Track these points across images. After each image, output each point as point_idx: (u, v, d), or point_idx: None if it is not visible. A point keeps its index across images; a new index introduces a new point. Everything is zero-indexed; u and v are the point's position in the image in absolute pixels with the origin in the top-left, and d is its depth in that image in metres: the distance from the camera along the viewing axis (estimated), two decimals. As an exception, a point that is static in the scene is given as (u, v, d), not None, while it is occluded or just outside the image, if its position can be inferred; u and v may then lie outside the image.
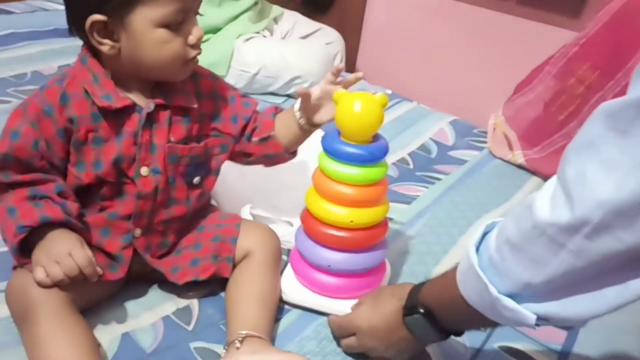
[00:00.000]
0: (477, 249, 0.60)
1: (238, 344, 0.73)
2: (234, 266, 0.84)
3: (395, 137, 1.41)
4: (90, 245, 0.75)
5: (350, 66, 2.10)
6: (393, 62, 2.08)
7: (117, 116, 0.76)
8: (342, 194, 0.79)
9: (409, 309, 0.70)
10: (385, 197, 0.83)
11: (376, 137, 0.80)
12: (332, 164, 0.79)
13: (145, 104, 0.77)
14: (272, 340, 0.79)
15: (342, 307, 0.83)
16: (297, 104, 0.85)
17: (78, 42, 1.73)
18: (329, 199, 0.80)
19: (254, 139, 0.87)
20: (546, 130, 1.26)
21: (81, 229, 0.75)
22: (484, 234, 0.61)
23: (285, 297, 0.86)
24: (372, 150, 0.78)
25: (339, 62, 1.79)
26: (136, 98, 0.77)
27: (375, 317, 0.74)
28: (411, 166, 1.30)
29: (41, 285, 0.70)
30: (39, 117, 0.74)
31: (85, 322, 0.73)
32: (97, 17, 0.70)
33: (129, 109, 0.76)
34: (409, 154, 1.35)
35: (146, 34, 0.71)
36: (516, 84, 1.38)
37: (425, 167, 1.30)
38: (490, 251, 0.57)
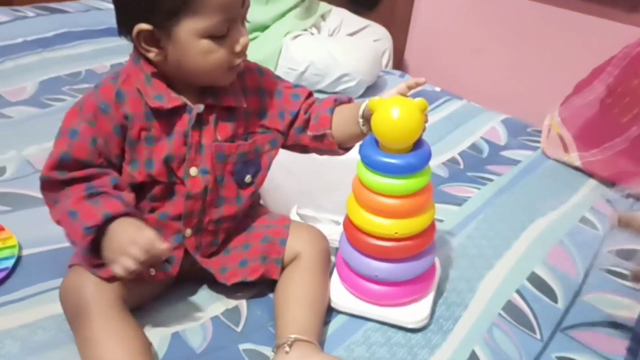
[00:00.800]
0: None
1: (287, 348, 0.72)
2: (283, 268, 0.83)
3: (445, 136, 1.38)
4: None
5: (398, 63, 2.07)
6: (442, 59, 2.04)
7: (168, 116, 0.76)
8: (383, 206, 0.76)
9: None
10: (430, 203, 0.81)
11: (417, 144, 0.77)
12: (371, 176, 0.76)
13: (195, 104, 0.77)
14: (321, 344, 0.78)
15: (391, 314, 0.81)
16: (362, 109, 0.81)
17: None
18: (370, 211, 0.78)
19: (309, 133, 0.85)
20: (606, 133, 1.21)
21: (141, 218, 0.75)
22: None
23: (334, 305, 0.84)
24: (413, 160, 0.75)
25: (387, 59, 1.76)
26: (186, 98, 0.77)
27: None
28: (462, 166, 1.27)
29: (125, 276, 0.70)
30: (95, 114, 0.75)
31: (136, 322, 0.73)
32: (144, 26, 0.71)
33: (180, 109, 0.76)
34: (459, 154, 1.32)
35: (190, 44, 0.72)
36: (571, 82, 1.33)
37: (476, 167, 1.27)
38: None
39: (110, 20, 1.76)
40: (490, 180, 1.22)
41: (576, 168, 1.27)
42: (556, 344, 0.82)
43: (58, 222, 0.75)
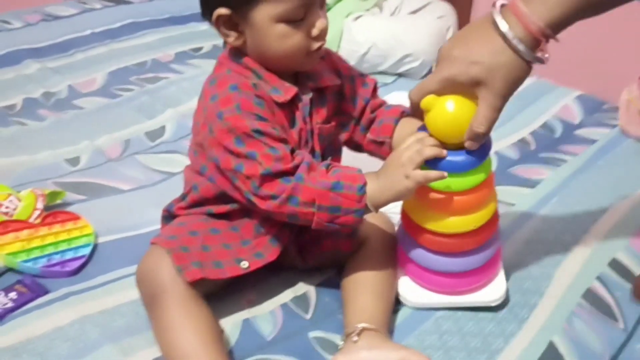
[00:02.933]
0: None
1: (355, 338, 0.72)
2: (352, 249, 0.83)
3: (514, 116, 1.32)
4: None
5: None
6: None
7: (286, 106, 0.76)
8: (441, 203, 0.73)
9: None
10: (492, 195, 0.77)
11: None
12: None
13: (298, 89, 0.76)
14: (389, 332, 0.77)
15: (467, 299, 0.79)
16: None
17: (192, 29, 1.77)
18: (428, 208, 0.75)
19: (369, 135, 0.83)
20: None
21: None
22: None
23: (405, 301, 0.81)
24: (470, 156, 0.71)
25: (448, 29, 1.70)
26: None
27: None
28: (533, 147, 1.22)
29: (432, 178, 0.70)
30: (259, 109, 0.72)
31: (209, 308, 0.74)
32: (222, 10, 0.71)
33: (295, 98, 0.76)
34: (531, 134, 1.27)
35: (267, 29, 0.71)
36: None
37: (549, 147, 1.21)
38: None
39: (173, 9, 1.83)
40: (565, 161, 1.16)
41: (657, 145, 1.20)
42: (641, 334, 0.78)
43: (312, 202, 0.70)
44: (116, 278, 0.84)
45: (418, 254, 0.79)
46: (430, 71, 1.51)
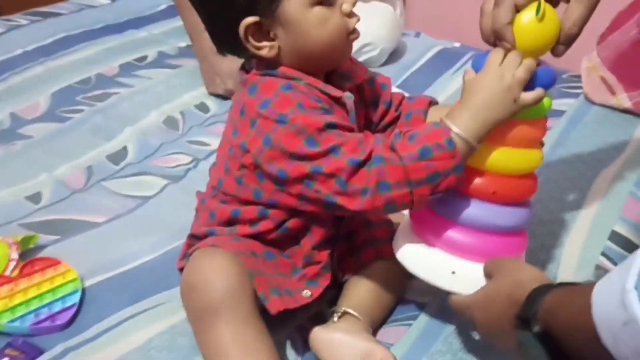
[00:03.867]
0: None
1: (336, 318, 0.73)
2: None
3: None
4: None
5: (411, 21, 1.98)
6: (454, 9, 1.95)
7: (341, 105, 0.70)
8: (519, 133, 0.66)
9: (523, 321, 0.57)
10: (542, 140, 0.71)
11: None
12: None
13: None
14: (374, 326, 0.75)
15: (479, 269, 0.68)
16: None
17: (131, 37, 1.67)
18: (503, 141, 0.67)
19: (397, 130, 0.79)
20: (654, 69, 1.15)
21: None
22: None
23: (401, 258, 0.72)
24: (545, 74, 0.66)
25: (399, 14, 1.68)
26: None
27: (487, 316, 0.64)
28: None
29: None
30: (321, 104, 0.66)
31: (268, 332, 0.69)
32: (250, 19, 0.65)
33: (340, 102, 0.70)
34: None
35: (304, 19, 0.65)
36: (607, 17, 1.26)
37: (523, 124, 1.21)
38: None
39: (107, 17, 1.72)
40: (541, 136, 1.17)
41: (626, 110, 1.22)
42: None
43: (404, 180, 0.63)
44: (115, 324, 0.78)
45: (445, 197, 0.67)
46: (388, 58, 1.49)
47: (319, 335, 0.71)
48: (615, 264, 0.86)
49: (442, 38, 1.65)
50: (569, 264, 0.86)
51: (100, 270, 0.86)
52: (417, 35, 1.68)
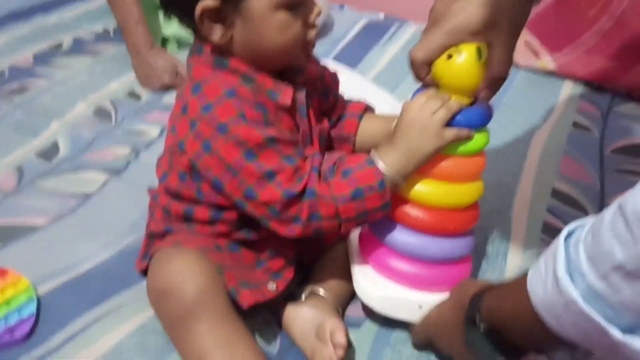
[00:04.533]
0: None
1: (304, 297, 0.74)
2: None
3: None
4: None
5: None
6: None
7: (288, 109, 0.68)
8: (435, 166, 0.67)
9: (470, 322, 0.60)
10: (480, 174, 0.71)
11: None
12: None
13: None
14: (344, 303, 0.77)
15: (427, 298, 0.71)
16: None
17: (41, 24, 1.57)
18: (435, 176, 0.67)
19: (332, 132, 0.79)
20: (575, 29, 1.22)
21: None
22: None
23: (368, 300, 0.72)
24: (477, 114, 0.66)
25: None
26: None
27: (439, 325, 0.67)
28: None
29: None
30: (265, 116, 0.64)
31: (247, 329, 0.68)
32: (209, 3, 0.61)
33: (292, 99, 0.68)
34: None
35: (265, 19, 0.62)
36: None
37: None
38: (589, 280, 0.45)
39: (10, 4, 1.59)
40: (475, 102, 1.21)
41: (551, 73, 1.28)
42: None
43: (334, 215, 0.64)
44: (79, 330, 0.73)
45: (401, 237, 0.70)
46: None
47: (289, 312, 0.73)
48: (560, 219, 0.91)
49: (365, 9, 1.66)
50: (520, 222, 0.91)
51: (52, 276, 0.81)
52: (341, 7, 1.68)
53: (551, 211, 0.93)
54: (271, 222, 0.64)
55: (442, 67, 0.64)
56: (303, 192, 0.63)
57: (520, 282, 0.53)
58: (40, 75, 1.30)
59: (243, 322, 0.67)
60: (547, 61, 1.27)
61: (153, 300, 0.68)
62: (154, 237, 0.74)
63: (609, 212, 0.44)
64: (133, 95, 1.25)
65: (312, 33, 0.66)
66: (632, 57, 1.18)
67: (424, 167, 0.66)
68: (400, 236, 0.70)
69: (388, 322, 0.75)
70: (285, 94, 0.67)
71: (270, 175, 0.62)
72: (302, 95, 0.69)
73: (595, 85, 1.24)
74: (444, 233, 0.69)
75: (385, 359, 0.71)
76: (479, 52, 0.63)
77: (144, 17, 1.26)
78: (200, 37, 0.66)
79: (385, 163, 0.65)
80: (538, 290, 0.50)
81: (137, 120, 1.16)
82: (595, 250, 0.45)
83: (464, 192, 0.68)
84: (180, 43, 1.42)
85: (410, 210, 0.69)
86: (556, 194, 0.96)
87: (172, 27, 1.38)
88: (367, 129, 0.78)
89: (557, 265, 0.47)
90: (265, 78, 0.66)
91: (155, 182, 0.79)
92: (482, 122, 0.67)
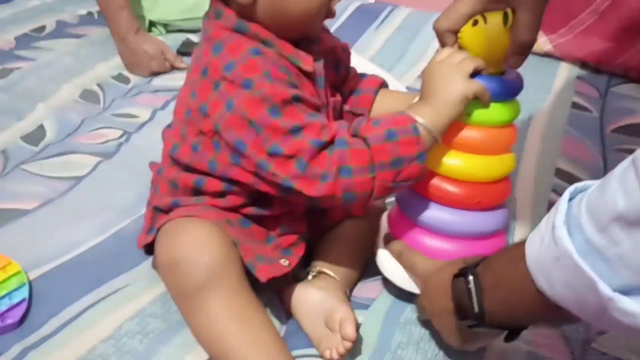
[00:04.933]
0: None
1: (311, 277, 0.71)
2: None
3: (408, 48, 1.33)
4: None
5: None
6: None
7: (310, 77, 0.65)
8: (466, 138, 0.64)
9: (459, 273, 0.58)
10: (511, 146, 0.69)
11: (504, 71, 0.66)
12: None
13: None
14: (351, 284, 0.74)
15: None
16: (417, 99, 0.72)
17: (22, 7, 1.52)
18: (467, 148, 0.65)
19: (345, 107, 0.76)
20: (571, 9, 1.21)
21: None
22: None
23: (390, 275, 0.71)
24: (507, 84, 0.65)
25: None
26: None
27: (433, 273, 0.64)
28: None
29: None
30: (289, 78, 0.61)
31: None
32: None
33: (308, 74, 0.65)
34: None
35: None
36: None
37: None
38: (588, 233, 0.43)
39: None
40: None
41: (546, 54, 1.27)
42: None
43: (368, 164, 0.60)
44: (74, 315, 0.70)
45: (433, 213, 0.67)
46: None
47: (294, 292, 0.69)
48: (565, 198, 0.90)
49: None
50: (525, 203, 0.89)
51: (43, 261, 0.77)
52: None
53: (556, 190, 0.91)
54: (297, 182, 0.60)
55: (469, 34, 0.62)
56: (331, 142, 0.60)
57: (521, 243, 0.51)
58: (22, 58, 1.25)
59: (257, 298, 0.64)
60: (543, 42, 1.26)
61: (163, 271, 0.66)
62: (159, 211, 0.71)
63: (621, 166, 0.43)
64: (121, 78, 1.21)
65: (335, 1, 0.64)
66: (628, 37, 1.17)
67: (455, 139, 0.64)
68: (431, 212, 0.67)
69: (397, 303, 0.73)
70: (306, 62, 0.64)
71: (296, 130, 0.59)
72: (320, 65, 0.67)
73: (592, 66, 1.23)
74: (476, 207, 0.67)
75: (396, 340, 0.69)
76: (505, 17, 0.61)
77: (128, 1, 1.21)
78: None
79: (421, 115, 0.62)
80: (534, 245, 0.49)
81: (126, 103, 1.12)
82: (597, 202, 0.43)
83: (495, 165, 0.66)
84: (167, 27, 1.38)
85: (442, 184, 0.66)
86: (559, 173, 0.95)
87: (159, 11, 1.34)
88: (382, 105, 0.76)
89: (556, 216, 0.46)
90: (285, 45, 0.64)
91: (153, 159, 0.76)
92: (512, 92, 0.65)
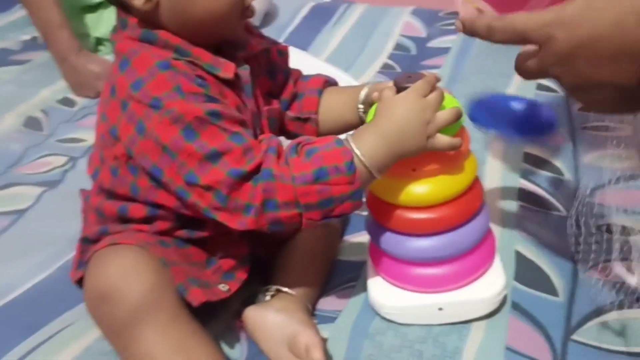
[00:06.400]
0: None
1: (268, 297, 0.66)
2: None
3: (366, 44, 1.29)
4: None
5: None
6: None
7: (232, 85, 0.60)
8: (419, 163, 0.60)
9: None
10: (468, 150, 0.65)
11: None
12: None
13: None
14: (314, 298, 0.69)
15: (446, 299, 0.64)
16: (363, 94, 0.68)
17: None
18: (394, 173, 0.60)
19: (289, 113, 0.71)
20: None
21: None
22: None
23: (379, 308, 0.66)
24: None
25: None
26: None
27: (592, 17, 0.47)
28: (399, 69, 1.19)
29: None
30: (205, 90, 0.56)
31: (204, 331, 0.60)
32: None
33: (235, 76, 0.60)
34: (389, 57, 1.24)
35: None
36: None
37: (413, 66, 1.19)
38: None
39: None
40: (434, 74, 1.15)
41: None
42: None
43: (294, 201, 0.55)
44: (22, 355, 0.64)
45: (394, 242, 0.64)
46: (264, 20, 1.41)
47: (251, 315, 0.64)
48: (535, 183, 0.85)
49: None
50: (494, 192, 0.85)
51: (-17, 301, 0.71)
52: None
53: (525, 176, 0.87)
54: (219, 214, 0.56)
55: None
56: (256, 172, 0.54)
57: None
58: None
59: (197, 323, 0.58)
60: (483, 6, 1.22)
61: (91, 308, 0.59)
62: (88, 242, 0.65)
63: None
64: (66, 101, 1.15)
65: None
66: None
67: (404, 169, 0.60)
68: (406, 244, 0.63)
69: (365, 312, 0.68)
70: (226, 69, 0.59)
71: (214, 156, 0.54)
72: (245, 73, 0.62)
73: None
74: (452, 225, 0.63)
75: (365, 351, 0.63)
76: None
77: (67, 20, 1.15)
78: (123, 6, 0.58)
79: (361, 149, 0.56)
80: None
81: (71, 127, 1.07)
82: None
83: (460, 177, 0.62)
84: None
85: (415, 216, 0.62)
86: (528, 157, 0.91)
87: (103, 27, 1.28)
88: (330, 105, 0.71)
89: None
90: (201, 52, 0.58)
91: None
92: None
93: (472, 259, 0.65)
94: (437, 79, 0.61)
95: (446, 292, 0.64)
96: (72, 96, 1.16)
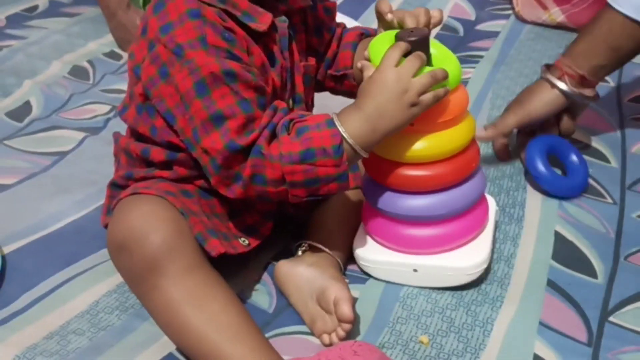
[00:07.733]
0: None
1: (300, 252, 0.66)
2: None
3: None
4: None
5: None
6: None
7: (264, 38, 0.60)
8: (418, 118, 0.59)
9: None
10: (466, 110, 0.64)
11: None
12: None
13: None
14: (345, 258, 0.68)
15: (428, 262, 0.65)
16: None
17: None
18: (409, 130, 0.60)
19: (330, 72, 0.71)
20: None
21: None
22: None
23: (361, 261, 0.67)
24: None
25: None
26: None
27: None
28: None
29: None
30: (231, 46, 0.56)
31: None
32: None
33: (270, 26, 0.60)
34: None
35: None
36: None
37: (459, 47, 1.17)
38: None
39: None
40: (481, 56, 1.13)
41: (559, 25, 1.21)
42: (630, 204, 0.77)
43: (281, 178, 0.56)
44: (48, 291, 0.65)
45: (388, 200, 0.63)
46: None
47: (283, 269, 0.64)
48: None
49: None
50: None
51: (19, 236, 0.73)
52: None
53: (570, 160, 0.85)
54: (212, 179, 0.57)
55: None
56: (249, 147, 0.55)
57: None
58: (12, 36, 1.21)
59: (216, 274, 0.58)
60: (555, 13, 1.20)
61: (112, 255, 0.60)
62: (116, 188, 0.66)
63: None
64: (113, 54, 1.16)
65: None
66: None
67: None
68: (414, 202, 0.63)
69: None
70: (262, 19, 0.58)
71: (218, 119, 0.54)
72: (283, 25, 0.61)
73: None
74: (447, 184, 0.62)
75: (395, 315, 0.63)
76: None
77: None
78: None
79: (348, 130, 0.56)
80: None
81: (116, 79, 1.08)
82: None
83: (457, 135, 0.62)
84: None
85: (413, 172, 0.61)
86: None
87: None
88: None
89: None
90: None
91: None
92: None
93: (452, 227, 0.64)
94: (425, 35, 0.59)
95: (423, 254, 0.64)
96: (118, 50, 1.17)
